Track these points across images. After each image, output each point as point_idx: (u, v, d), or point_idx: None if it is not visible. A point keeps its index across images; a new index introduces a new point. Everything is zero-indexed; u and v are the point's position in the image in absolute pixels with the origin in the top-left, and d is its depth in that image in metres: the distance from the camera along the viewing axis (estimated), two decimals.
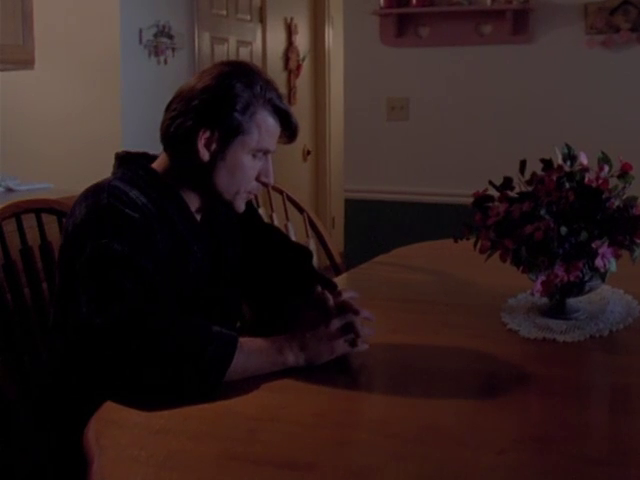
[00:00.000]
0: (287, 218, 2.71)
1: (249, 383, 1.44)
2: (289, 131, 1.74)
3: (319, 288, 1.75)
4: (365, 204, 4.50)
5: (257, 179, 1.72)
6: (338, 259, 2.77)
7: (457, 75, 4.27)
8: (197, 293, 1.70)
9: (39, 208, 1.96)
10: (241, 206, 1.74)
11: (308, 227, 2.76)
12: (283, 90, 5.92)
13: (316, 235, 2.78)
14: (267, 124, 1.68)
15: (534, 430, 1.30)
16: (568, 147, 1.85)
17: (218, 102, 1.64)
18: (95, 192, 1.61)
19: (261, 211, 2.59)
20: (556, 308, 1.85)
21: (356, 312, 1.61)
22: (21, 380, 1.83)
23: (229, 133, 1.64)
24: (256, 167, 1.70)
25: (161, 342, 1.39)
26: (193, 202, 1.72)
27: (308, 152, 6.40)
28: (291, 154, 5.88)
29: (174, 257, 1.64)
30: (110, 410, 1.35)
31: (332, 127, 6.43)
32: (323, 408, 1.37)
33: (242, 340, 1.47)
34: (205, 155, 1.65)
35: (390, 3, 4.29)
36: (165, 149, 1.72)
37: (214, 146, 1.65)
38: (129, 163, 1.72)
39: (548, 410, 1.39)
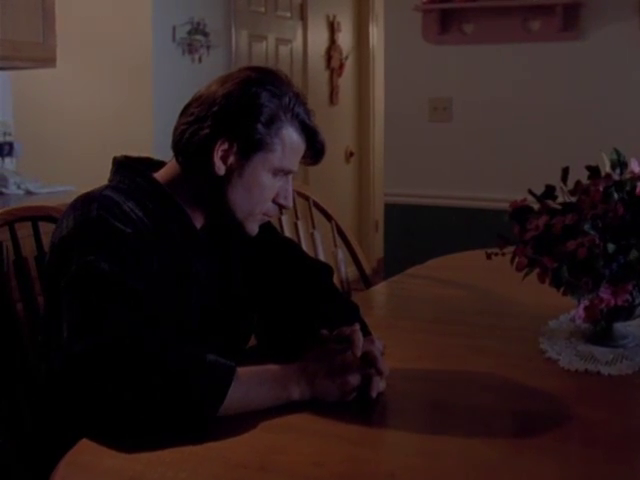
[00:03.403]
0: (313, 226, 2.53)
1: (244, 419, 1.26)
2: (314, 151, 1.57)
3: (355, 332, 1.44)
4: (406, 208, 4.31)
5: (274, 200, 1.55)
6: (368, 270, 2.59)
7: (503, 74, 4.06)
8: (199, 316, 1.53)
9: (35, 216, 1.81)
10: (254, 229, 1.57)
11: (336, 236, 2.58)
12: (325, 89, 5.85)
13: (345, 245, 2.60)
14: (292, 142, 1.51)
15: None
16: (617, 153, 1.64)
17: (240, 111, 1.47)
18: (85, 202, 1.46)
19: (284, 219, 2.42)
20: (601, 334, 1.65)
21: (379, 372, 1.37)
22: (10, 402, 1.69)
23: (250, 147, 1.48)
24: (275, 187, 1.53)
25: (146, 373, 1.23)
26: (198, 218, 1.56)
27: (351, 153, 6.26)
28: (333, 156, 5.73)
29: (172, 277, 1.48)
30: (83, 451, 1.19)
31: (376, 128, 6.25)
32: (325, 455, 1.18)
33: (241, 370, 1.30)
34: (221, 169, 1.49)
35: None
36: (176, 157, 1.55)
37: (231, 160, 1.49)
38: (127, 170, 1.55)
39: (589, 463, 1.18)
